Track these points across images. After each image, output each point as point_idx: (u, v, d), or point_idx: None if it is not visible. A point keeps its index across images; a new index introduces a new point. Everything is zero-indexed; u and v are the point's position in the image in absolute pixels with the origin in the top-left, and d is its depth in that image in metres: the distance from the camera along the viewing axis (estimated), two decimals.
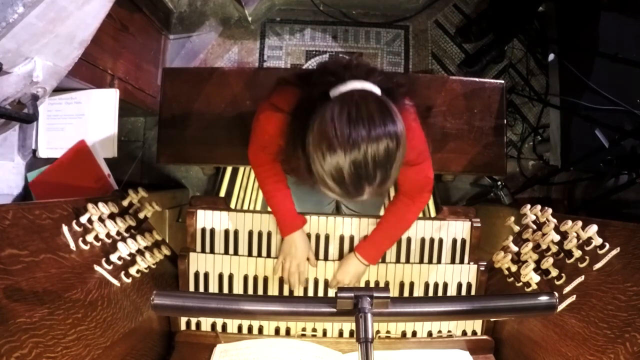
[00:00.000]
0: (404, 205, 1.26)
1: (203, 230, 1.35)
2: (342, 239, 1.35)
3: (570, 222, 1.13)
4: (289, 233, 1.29)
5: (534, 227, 1.25)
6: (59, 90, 1.47)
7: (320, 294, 1.35)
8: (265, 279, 1.33)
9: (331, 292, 1.34)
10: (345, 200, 0.89)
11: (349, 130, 0.80)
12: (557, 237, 1.16)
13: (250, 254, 1.35)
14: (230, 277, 1.32)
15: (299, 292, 1.33)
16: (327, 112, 0.83)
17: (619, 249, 1.01)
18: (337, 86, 0.87)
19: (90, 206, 1.08)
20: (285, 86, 1.08)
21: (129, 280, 1.11)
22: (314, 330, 1.31)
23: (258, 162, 1.26)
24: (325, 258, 1.35)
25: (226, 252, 1.35)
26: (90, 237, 1.06)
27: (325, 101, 0.87)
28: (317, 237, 1.35)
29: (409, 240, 1.36)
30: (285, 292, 1.33)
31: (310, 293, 1.35)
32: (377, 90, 0.88)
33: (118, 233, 1.16)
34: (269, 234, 1.35)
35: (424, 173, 1.20)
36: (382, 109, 0.84)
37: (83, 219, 1.06)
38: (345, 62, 0.95)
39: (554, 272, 1.12)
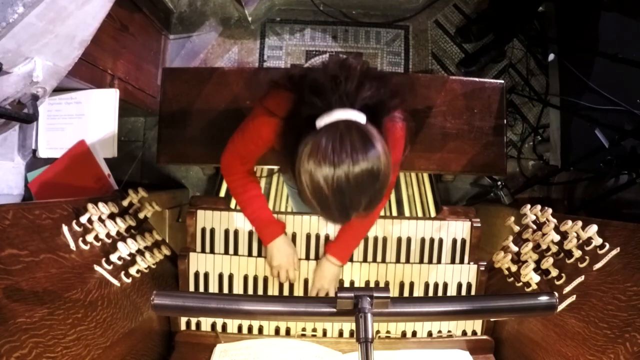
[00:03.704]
0: None
1: (203, 230, 1.35)
2: None
3: (570, 222, 1.13)
4: (270, 241, 1.29)
5: (534, 227, 1.25)
6: (59, 90, 1.46)
7: None
8: (265, 279, 1.33)
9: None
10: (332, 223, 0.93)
11: (332, 161, 0.82)
12: (557, 237, 1.16)
13: (250, 254, 1.35)
14: (230, 277, 1.32)
15: (299, 292, 1.34)
16: (314, 143, 0.85)
17: (619, 249, 1.01)
18: (323, 116, 0.89)
19: (90, 206, 1.08)
20: (278, 90, 1.09)
21: (129, 280, 1.11)
22: (314, 330, 1.31)
23: (231, 169, 1.24)
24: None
25: (226, 252, 1.35)
26: (90, 237, 1.06)
27: (312, 128, 0.89)
28: (317, 237, 1.36)
29: (409, 240, 1.36)
30: (286, 292, 1.33)
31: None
32: (361, 118, 0.89)
33: (118, 233, 1.16)
34: None
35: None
36: (364, 139, 0.85)
37: (83, 219, 1.06)
38: (336, 74, 0.94)
39: (554, 272, 1.12)
